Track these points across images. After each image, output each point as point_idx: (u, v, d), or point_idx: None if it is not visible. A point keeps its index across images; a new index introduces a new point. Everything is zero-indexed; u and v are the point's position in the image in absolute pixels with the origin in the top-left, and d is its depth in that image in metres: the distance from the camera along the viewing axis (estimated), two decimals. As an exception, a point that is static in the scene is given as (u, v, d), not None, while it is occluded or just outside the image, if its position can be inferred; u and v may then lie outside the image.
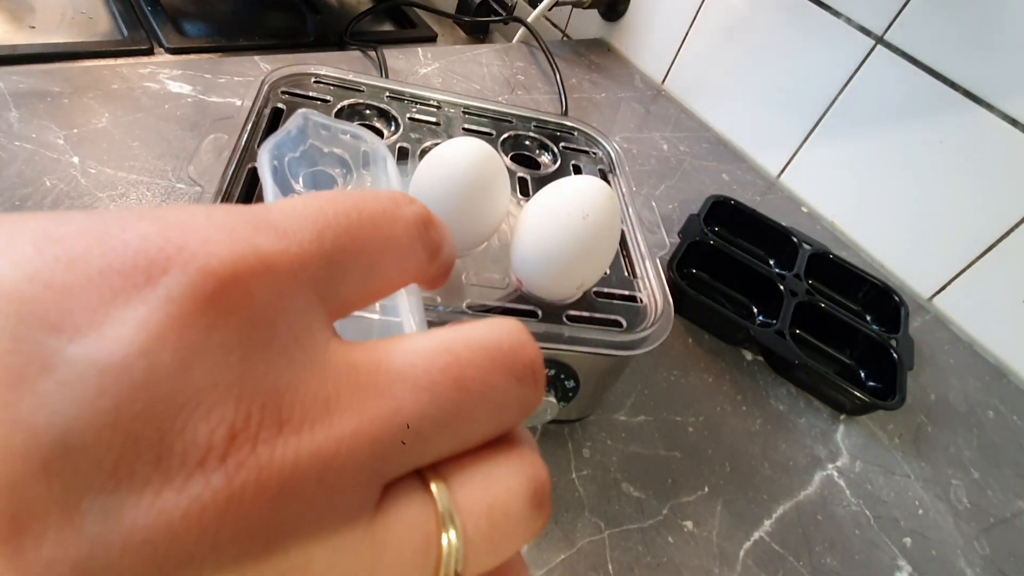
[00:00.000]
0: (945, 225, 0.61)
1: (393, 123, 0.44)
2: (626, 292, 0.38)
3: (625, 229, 0.41)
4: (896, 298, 0.56)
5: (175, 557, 0.08)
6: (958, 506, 0.45)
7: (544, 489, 0.12)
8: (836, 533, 0.41)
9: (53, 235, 0.09)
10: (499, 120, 0.48)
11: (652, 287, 0.38)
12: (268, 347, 0.10)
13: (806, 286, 0.54)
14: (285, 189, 0.20)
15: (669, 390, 0.46)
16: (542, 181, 0.41)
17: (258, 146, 0.37)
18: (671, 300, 0.37)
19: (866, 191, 0.66)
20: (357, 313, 0.18)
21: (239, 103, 0.41)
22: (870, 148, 0.65)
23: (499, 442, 0.12)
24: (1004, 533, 0.44)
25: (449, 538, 0.11)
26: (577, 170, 0.47)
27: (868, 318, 0.57)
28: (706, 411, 0.45)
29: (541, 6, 0.81)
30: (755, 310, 0.54)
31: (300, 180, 0.21)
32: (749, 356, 0.51)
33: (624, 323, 0.36)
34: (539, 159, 0.47)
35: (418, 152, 0.42)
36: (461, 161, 0.33)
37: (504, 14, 0.87)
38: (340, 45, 0.73)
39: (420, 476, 0.11)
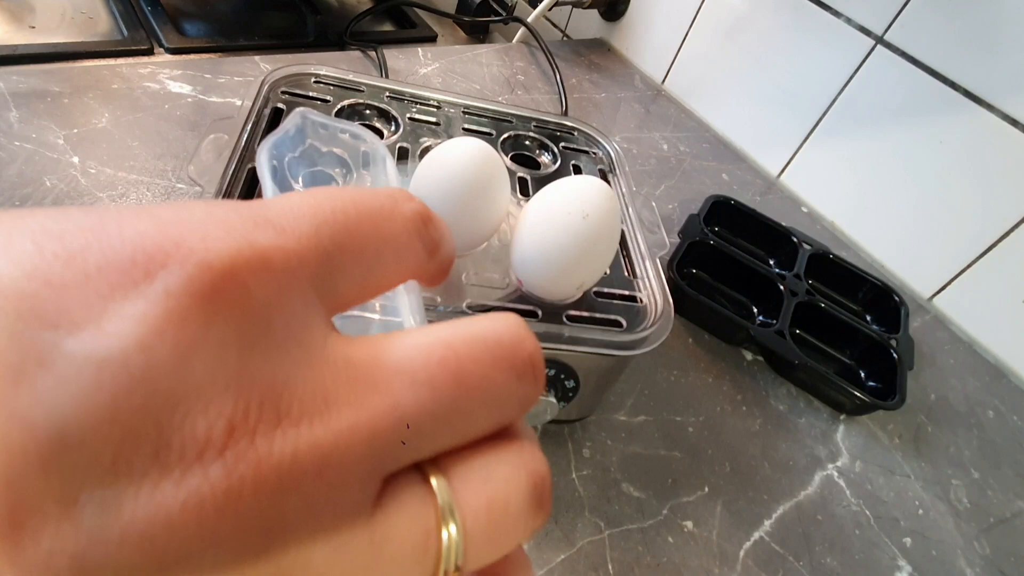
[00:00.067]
0: (945, 225, 0.61)
1: (393, 123, 0.44)
2: (626, 292, 0.38)
3: (625, 229, 0.41)
4: (896, 298, 0.56)
5: (174, 550, 0.08)
6: (958, 506, 0.45)
7: (544, 483, 0.12)
8: (836, 533, 0.41)
9: (51, 232, 0.09)
10: (499, 120, 0.48)
11: (652, 287, 0.38)
12: (266, 342, 0.10)
13: (806, 286, 0.54)
14: (284, 189, 0.20)
15: (669, 390, 0.46)
16: (542, 181, 0.41)
17: (258, 146, 0.36)
18: (671, 300, 0.37)
19: (866, 191, 0.66)
20: (357, 313, 0.18)
21: (239, 103, 0.42)
22: (870, 148, 0.65)
23: (499, 436, 0.12)
24: (1004, 533, 0.44)
25: (449, 532, 0.11)
26: (577, 170, 0.47)
27: (868, 318, 0.57)
28: (706, 411, 0.45)
29: (541, 6, 0.81)
30: (755, 310, 0.54)
31: (300, 180, 0.21)
32: (749, 356, 0.51)
33: (624, 323, 0.36)
34: (539, 159, 0.47)
35: (418, 152, 0.42)
36: (461, 161, 0.33)
37: (504, 14, 0.87)
38: (340, 45, 0.73)
39: (420, 470, 0.11)
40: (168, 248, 0.10)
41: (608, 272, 0.38)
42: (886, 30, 0.61)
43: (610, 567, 0.35)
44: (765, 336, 0.49)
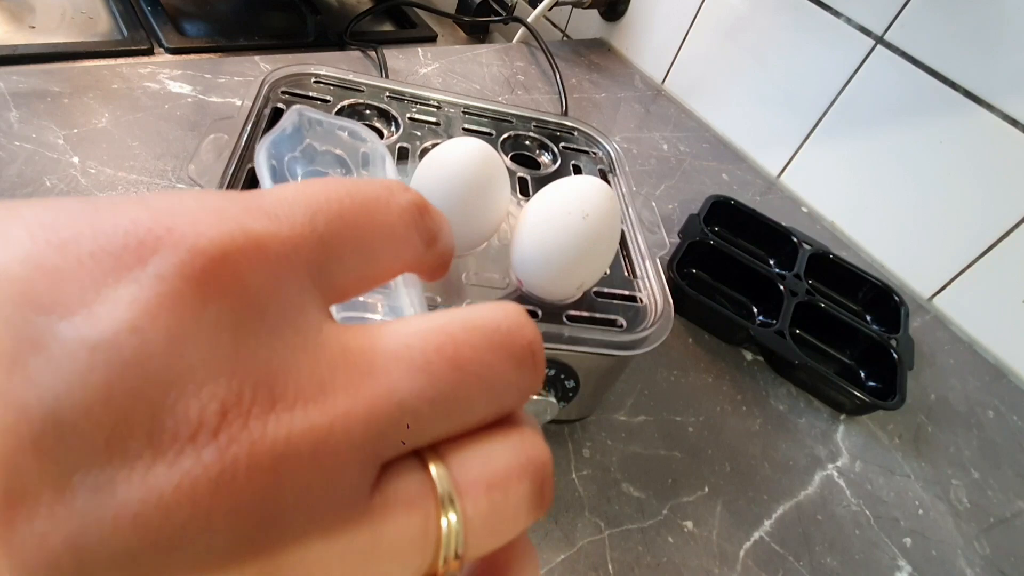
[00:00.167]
0: (945, 225, 0.61)
1: (393, 123, 0.44)
2: (626, 292, 0.38)
3: (625, 229, 0.41)
4: (896, 298, 0.56)
5: (168, 532, 0.08)
6: (958, 506, 0.45)
7: (546, 469, 0.12)
8: (836, 533, 0.41)
9: (44, 220, 0.10)
10: (499, 120, 0.48)
11: (652, 287, 0.38)
12: (260, 326, 0.10)
13: (806, 286, 0.54)
14: None
15: (669, 390, 0.46)
16: (542, 181, 0.41)
17: (257, 146, 0.36)
18: (671, 300, 0.37)
19: (866, 191, 0.66)
20: (358, 314, 0.17)
21: (239, 103, 0.42)
22: (870, 148, 0.65)
23: (499, 424, 0.12)
24: (1004, 533, 0.44)
25: (448, 518, 0.11)
26: (577, 170, 0.47)
27: (868, 318, 0.57)
28: (706, 411, 0.45)
29: (541, 6, 0.81)
30: (755, 310, 0.54)
31: (299, 179, 0.21)
32: (749, 356, 0.51)
33: (624, 323, 0.36)
34: (539, 159, 0.47)
35: (418, 152, 0.42)
36: (461, 161, 0.33)
37: (504, 14, 0.87)
38: (340, 45, 0.73)
39: (418, 457, 0.11)
40: (160, 233, 0.10)
41: (608, 272, 0.38)
42: (886, 30, 0.61)
43: (610, 567, 0.35)
44: (765, 336, 0.49)
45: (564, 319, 0.35)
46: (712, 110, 0.78)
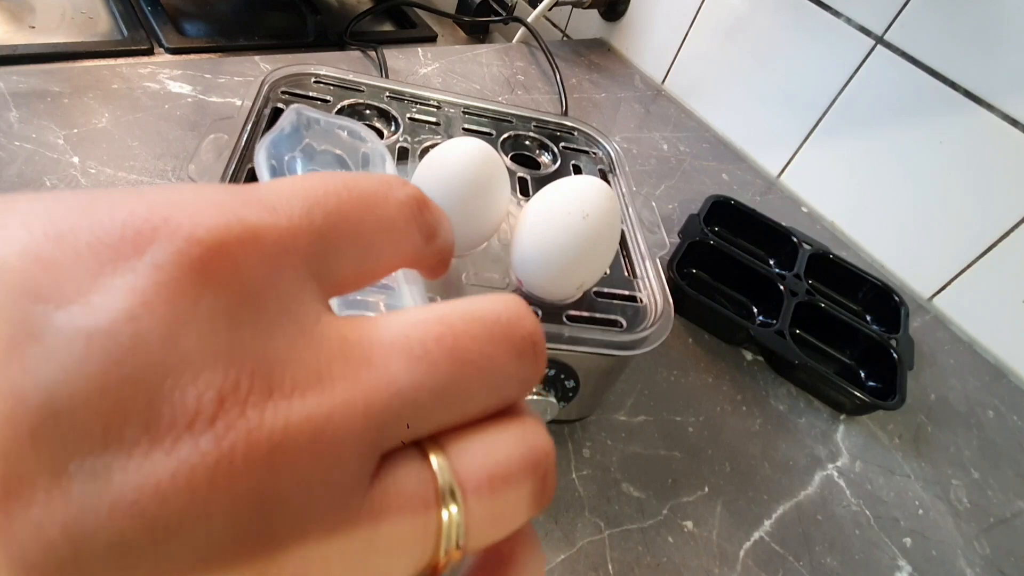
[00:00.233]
0: (945, 225, 0.61)
1: (393, 123, 0.44)
2: (626, 292, 0.38)
3: (625, 229, 0.41)
4: (896, 298, 0.56)
5: (165, 521, 0.08)
6: (958, 506, 0.45)
7: (548, 459, 0.12)
8: (836, 533, 0.41)
9: (41, 212, 0.10)
10: (499, 120, 0.48)
11: (652, 287, 0.38)
12: (257, 316, 0.10)
13: (806, 286, 0.54)
14: None
15: (669, 390, 0.46)
16: (542, 181, 0.41)
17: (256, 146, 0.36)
18: (671, 300, 0.37)
19: (866, 191, 0.66)
20: (360, 312, 0.18)
21: (239, 103, 0.42)
22: (870, 148, 0.65)
23: (501, 415, 0.12)
24: (1004, 533, 0.44)
25: (449, 508, 0.11)
26: (577, 170, 0.47)
27: (868, 318, 0.57)
28: (706, 411, 0.45)
29: (541, 6, 0.81)
30: (755, 310, 0.54)
31: None
32: (749, 356, 0.51)
33: (624, 323, 0.36)
34: (539, 159, 0.47)
35: (418, 152, 0.42)
36: (461, 161, 0.33)
37: (504, 14, 0.87)
38: (340, 45, 0.73)
39: (419, 447, 0.11)
40: (157, 224, 0.10)
41: (608, 272, 0.38)
42: (886, 30, 0.61)
43: (610, 567, 0.35)
44: (765, 336, 0.49)
45: (564, 319, 0.35)
46: (712, 110, 0.78)
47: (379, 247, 0.13)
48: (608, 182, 0.46)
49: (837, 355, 0.53)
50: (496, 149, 0.37)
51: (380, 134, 0.43)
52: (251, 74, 0.60)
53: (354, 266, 0.12)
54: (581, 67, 0.81)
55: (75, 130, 0.48)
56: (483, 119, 0.48)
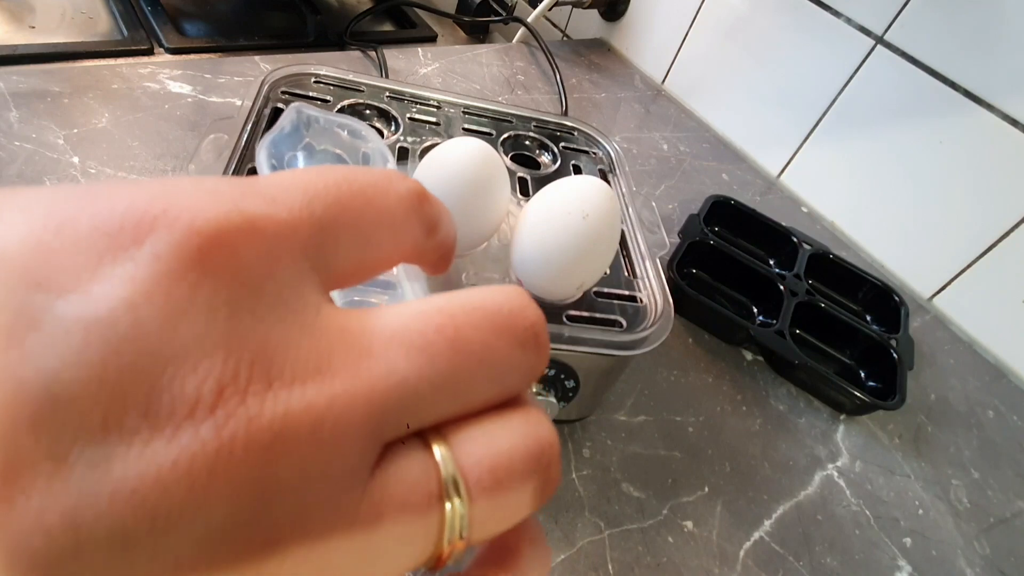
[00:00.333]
0: (945, 225, 0.61)
1: (393, 123, 0.44)
2: (626, 292, 0.38)
3: (625, 229, 0.41)
4: (896, 298, 0.56)
5: (165, 509, 0.08)
6: (958, 506, 0.45)
7: (552, 450, 0.12)
8: (836, 533, 0.41)
9: (41, 203, 0.10)
10: (499, 120, 0.48)
11: (652, 287, 0.38)
12: (257, 306, 0.10)
13: (806, 286, 0.54)
14: None
15: (669, 390, 0.46)
16: (542, 181, 0.41)
17: (257, 146, 0.36)
18: (671, 300, 0.37)
19: (866, 191, 0.66)
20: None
21: (239, 103, 0.42)
22: (870, 148, 0.65)
23: (504, 406, 0.12)
24: (1004, 533, 0.44)
25: (452, 499, 0.11)
26: (577, 170, 0.47)
27: (868, 318, 0.57)
28: (706, 411, 0.45)
29: (541, 6, 0.81)
30: (755, 310, 0.54)
31: None
32: (749, 356, 0.51)
33: (624, 323, 0.36)
34: (539, 159, 0.47)
35: (418, 152, 0.42)
36: (461, 161, 0.33)
37: (504, 14, 0.87)
38: (340, 45, 0.73)
39: (421, 438, 0.11)
40: (156, 214, 0.10)
41: (608, 272, 0.38)
42: (886, 30, 0.61)
43: (610, 567, 0.35)
44: (765, 336, 0.49)
45: (564, 319, 0.35)
46: (712, 110, 0.78)
47: (379, 239, 0.13)
48: (608, 182, 0.46)
49: (837, 355, 0.53)
50: (496, 149, 0.37)
51: (380, 134, 0.43)
52: (251, 74, 0.60)
53: (354, 258, 0.12)
54: (581, 67, 0.81)
55: (75, 130, 0.48)
56: (483, 119, 0.48)
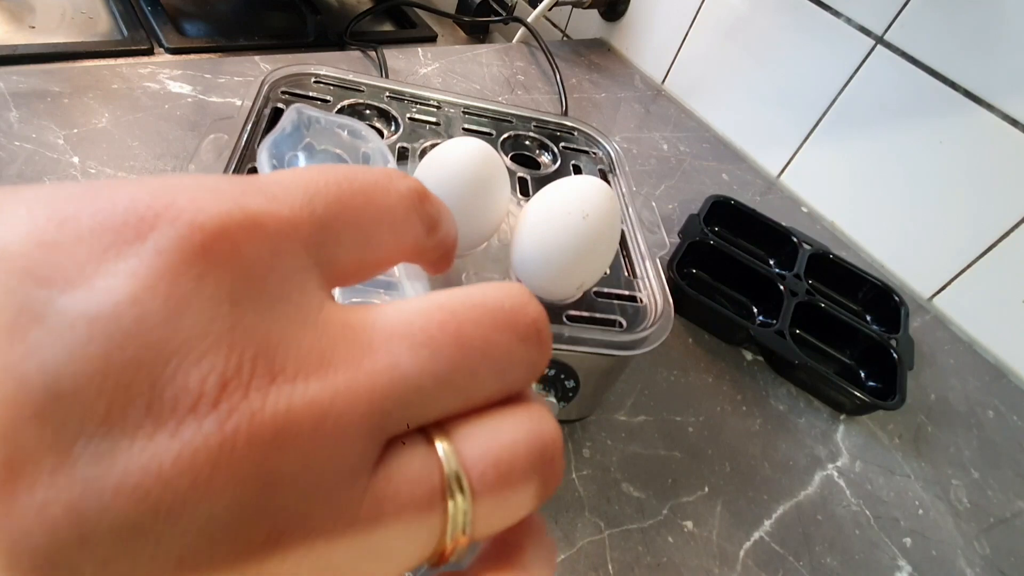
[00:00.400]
0: (945, 225, 0.61)
1: (393, 123, 0.44)
2: (626, 292, 0.38)
3: (625, 229, 0.41)
4: (896, 298, 0.56)
5: (168, 501, 0.08)
6: (958, 506, 0.45)
7: (555, 446, 0.12)
8: (836, 533, 0.41)
9: (44, 199, 0.10)
10: (499, 120, 0.48)
11: (652, 287, 0.38)
12: (259, 300, 0.10)
13: (806, 286, 0.54)
14: None
15: (669, 390, 0.46)
16: (542, 181, 0.41)
17: (258, 146, 0.37)
18: (671, 300, 0.37)
19: (866, 191, 0.66)
20: None
21: (239, 103, 0.42)
22: (870, 148, 0.65)
23: (506, 401, 0.12)
24: (1004, 533, 0.44)
25: (455, 495, 0.11)
26: (577, 170, 0.47)
27: (868, 318, 0.57)
28: (706, 411, 0.45)
29: (541, 6, 0.81)
30: (755, 310, 0.54)
31: None
32: (749, 356, 0.51)
33: (624, 323, 0.36)
34: (539, 159, 0.47)
35: (418, 152, 0.42)
36: (461, 161, 0.33)
37: (504, 14, 0.87)
38: (340, 45, 0.73)
39: (424, 434, 0.11)
40: (159, 210, 0.10)
41: (608, 272, 0.38)
42: (886, 30, 0.61)
43: (610, 567, 0.35)
44: (765, 336, 0.49)
45: (564, 319, 0.35)
46: (712, 110, 0.78)
47: (380, 237, 0.13)
48: (608, 182, 0.46)
49: (837, 355, 0.53)
50: (496, 149, 0.37)
51: (380, 134, 0.43)
52: (251, 74, 0.60)
53: (355, 255, 0.12)
54: (581, 67, 0.81)
55: (75, 130, 0.48)
56: (483, 119, 0.48)
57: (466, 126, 0.46)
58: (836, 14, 0.64)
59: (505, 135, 0.47)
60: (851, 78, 0.64)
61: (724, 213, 0.60)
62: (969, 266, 0.60)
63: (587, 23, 0.91)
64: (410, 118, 0.45)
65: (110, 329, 0.09)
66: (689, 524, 0.38)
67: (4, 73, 0.50)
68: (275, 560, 0.09)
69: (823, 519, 0.41)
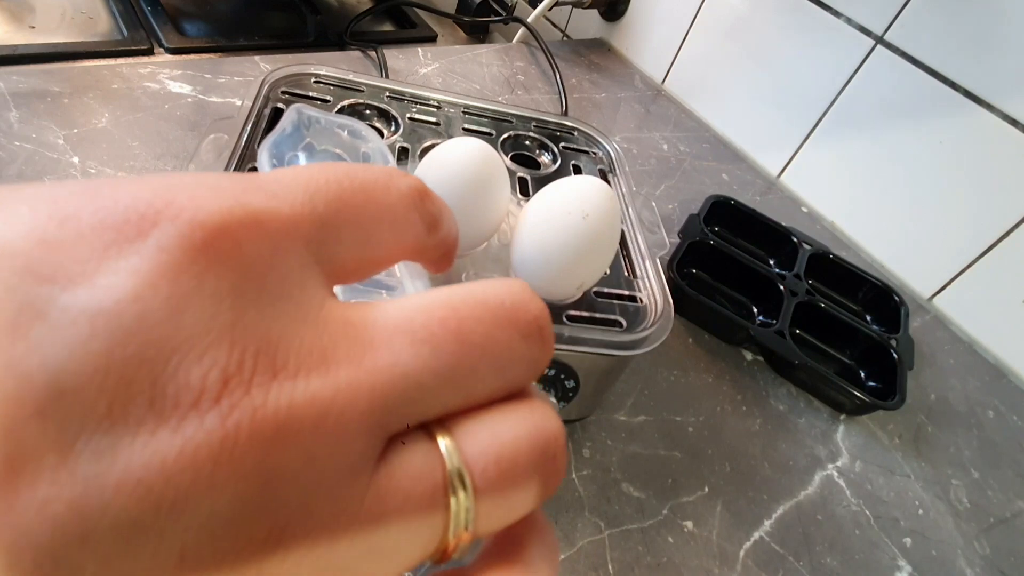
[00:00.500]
0: (945, 225, 0.61)
1: (393, 123, 0.44)
2: (626, 292, 0.38)
3: (625, 229, 0.41)
4: (896, 298, 0.56)
5: (170, 497, 0.08)
6: (958, 506, 0.45)
7: (558, 442, 0.12)
8: (836, 533, 0.41)
9: (46, 197, 0.10)
10: (499, 120, 0.48)
11: (652, 287, 0.38)
12: (260, 297, 0.10)
13: (806, 286, 0.54)
14: None
15: (669, 390, 0.46)
16: (542, 181, 0.41)
17: (258, 146, 0.37)
18: (671, 300, 0.37)
19: (866, 191, 0.66)
20: None
21: (239, 103, 0.42)
22: (870, 148, 0.65)
23: (508, 398, 0.12)
24: (1004, 533, 0.44)
25: (457, 491, 0.11)
26: (577, 170, 0.47)
27: (868, 318, 0.57)
28: (706, 411, 0.45)
29: (541, 6, 0.81)
30: (755, 310, 0.54)
31: None
32: (749, 356, 0.51)
33: (624, 323, 0.36)
34: (539, 159, 0.47)
35: (418, 152, 0.42)
36: (461, 161, 0.33)
37: (504, 14, 0.87)
38: (340, 45, 0.73)
39: (426, 430, 0.11)
40: (160, 208, 0.10)
41: (608, 272, 0.38)
42: (886, 30, 0.61)
43: (610, 567, 0.35)
44: (765, 336, 0.49)
45: (564, 319, 0.35)
46: (712, 110, 0.78)
47: (380, 235, 0.13)
48: (608, 182, 0.46)
49: (837, 355, 0.53)
50: (496, 149, 0.37)
51: (380, 134, 0.43)
52: (251, 74, 0.60)
53: (356, 253, 0.12)
54: (581, 67, 0.81)
55: (75, 130, 0.48)
56: (483, 119, 0.48)
57: (466, 126, 0.46)
58: (836, 14, 0.64)
59: (505, 135, 0.47)
60: (851, 78, 0.64)
61: (724, 213, 0.60)
62: (969, 266, 0.60)
63: (587, 23, 0.91)
64: (410, 118, 0.45)
65: (112, 326, 0.09)
66: (689, 524, 0.38)
67: (4, 73, 0.50)
68: (277, 557, 0.09)
69: (823, 519, 0.41)
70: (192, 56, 0.64)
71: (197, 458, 0.09)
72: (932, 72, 0.59)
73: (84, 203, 0.10)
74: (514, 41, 0.83)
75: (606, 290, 0.37)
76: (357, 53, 0.69)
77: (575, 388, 0.36)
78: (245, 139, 0.37)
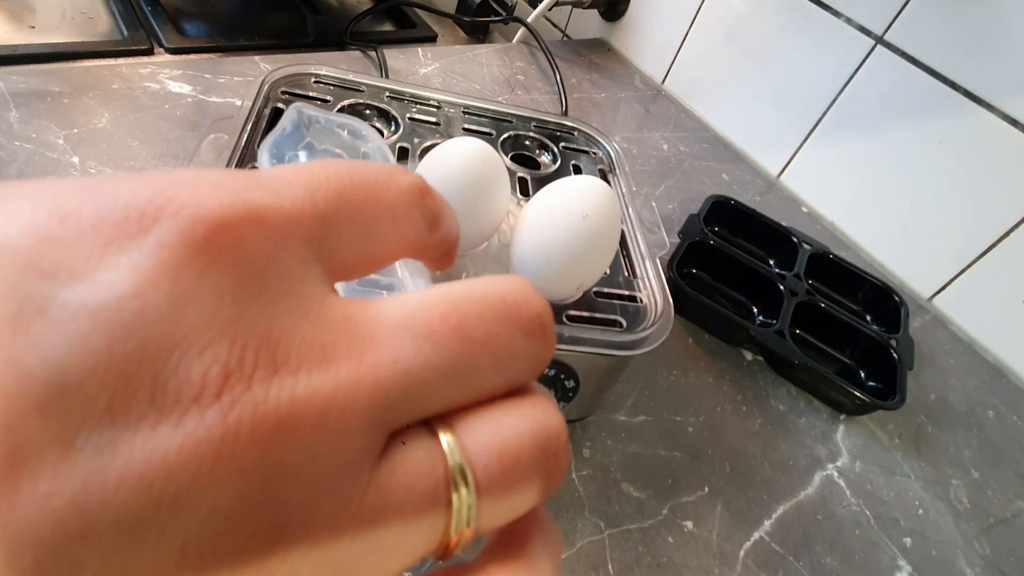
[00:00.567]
0: (945, 225, 0.61)
1: (393, 123, 0.44)
2: (626, 292, 0.38)
3: (625, 229, 0.41)
4: (896, 298, 0.56)
5: (171, 493, 0.08)
6: (958, 506, 0.45)
7: (560, 439, 0.12)
8: (836, 533, 0.41)
9: (46, 194, 0.10)
10: (499, 120, 0.48)
11: (652, 287, 0.38)
12: (261, 293, 0.10)
13: (806, 286, 0.54)
14: None
15: (669, 390, 0.46)
16: (542, 181, 0.41)
17: (258, 146, 0.37)
18: (671, 300, 0.37)
19: (866, 191, 0.66)
20: None
21: (239, 103, 0.42)
22: (870, 148, 0.65)
23: (510, 394, 0.12)
24: (1004, 533, 0.44)
25: (459, 487, 0.11)
26: (577, 170, 0.47)
27: (868, 318, 0.57)
28: (706, 411, 0.45)
29: (541, 6, 0.81)
30: (755, 310, 0.54)
31: None
32: (749, 356, 0.51)
33: (624, 323, 0.36)
34: (539, 159, 0.47)
35: (418, 152, 0.42)
36: (461, 161, 0.33)
37: (504, 14, 0.87)
38: (340, 45, 0.73)
39: (427, 426, 0.11)
40: (161, 204, 0.10)
41: (608, 272, 0.38)
42: (886, 30, 0.61)
43: (610, 567, 0.35)
44: (765, 336, 0.49)
45: (564, 319, 0.35)
46: (712, 110, 0.78)
47: (381, 232, 0.13)
48: (608, 182, 0.46)
49: (837, 355, 0.53)
50: (496, 149, 0.37)
51: (380, 134, 0.43)
52: (251, 74, 0.60)
53: (357, 250, 0.12)
54: (581, 67, 0.81)
55: (75, 130, 0.48)
56: (483, 119, 0.48)
57: (466, 126, 0.46)
58: (836, 14, 0.64)
59: (505, 135, 0.47)
60: (851, 78, 0.64)
61: (724, 213, 0.60)
62: (969, 266, 0.60)
63: (587, 23, 0.91)
64: (410, 118, 0.45)
65: (113, 321, 0.09)
66: (689, 524, 0.38)
67: (4, 73, 0.50)
68: (278, 553, 0.09)
69: (823, 519, 0.41)
70: (192, 56, 0.64)
71: (198, 453, 0.09)
72: (932, 72, 0.59)
73: (85, 200, 0.10)
74: (514, 41, 0.83)
75: (606, 290, 0.37)
76: (357, 53, 0.69)
77: (575, 388, 0.36)
78: (245, 139, 0.37)
